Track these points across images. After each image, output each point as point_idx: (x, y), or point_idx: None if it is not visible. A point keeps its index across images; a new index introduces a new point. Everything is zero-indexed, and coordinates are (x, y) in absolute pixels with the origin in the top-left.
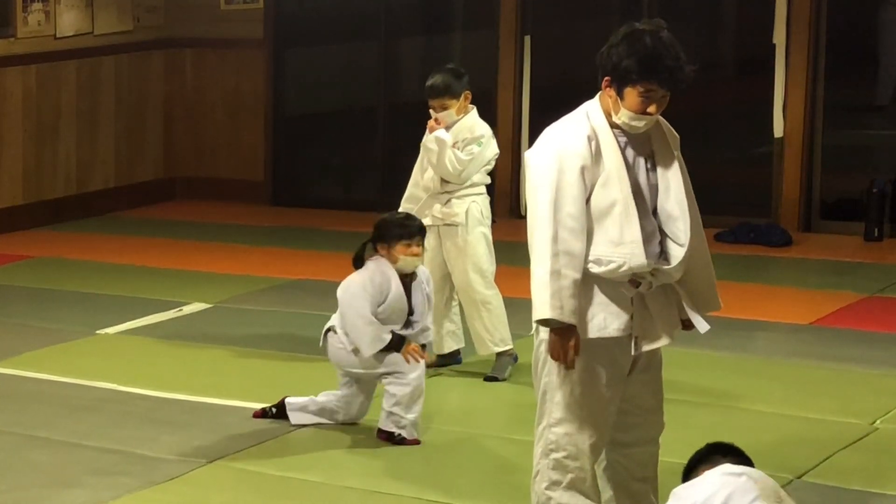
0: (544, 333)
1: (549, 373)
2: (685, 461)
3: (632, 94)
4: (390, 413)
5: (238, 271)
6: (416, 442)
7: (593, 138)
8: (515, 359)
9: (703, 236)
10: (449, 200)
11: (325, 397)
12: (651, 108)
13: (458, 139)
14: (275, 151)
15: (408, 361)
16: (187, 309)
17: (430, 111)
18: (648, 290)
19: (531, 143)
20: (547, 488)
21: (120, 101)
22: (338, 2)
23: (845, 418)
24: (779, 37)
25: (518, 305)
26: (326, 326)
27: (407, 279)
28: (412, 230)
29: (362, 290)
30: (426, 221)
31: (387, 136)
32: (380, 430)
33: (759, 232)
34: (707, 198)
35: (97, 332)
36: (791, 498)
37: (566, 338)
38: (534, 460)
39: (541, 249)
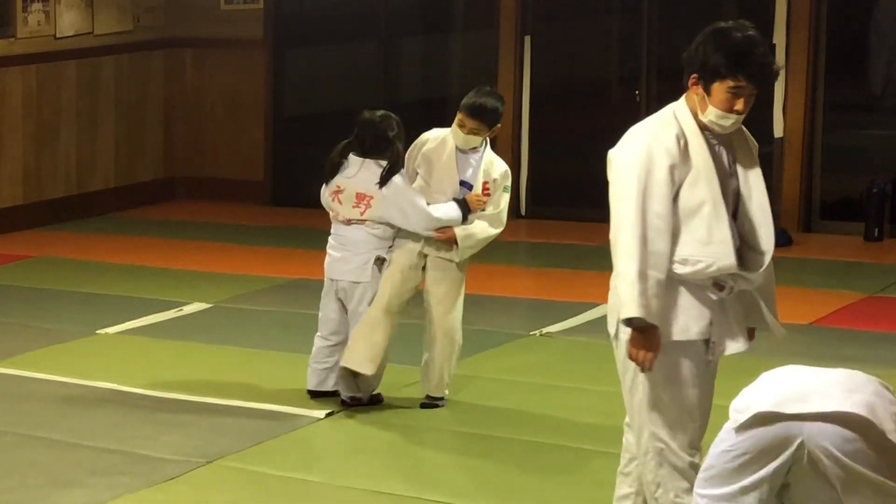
0: (627, 334)
1: (636, 379)
2: None
3: (720, 91)
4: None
5: (238, 271)
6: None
7: (681, 137)
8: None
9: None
10: None
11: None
12: (739, 106)
13: (488, 176)
14: (275, 151)
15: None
16: (187, 309)
17: (459, 127)
18: (730, 294)
19: (531, 142)
20: (677, 496)
21: (120, 101)
22: (338, 2)
23: None
24: (779, 37)
25: (518, 305)
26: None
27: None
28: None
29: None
30: (417, 247)
31: None
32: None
33: None
34: None
35: (97, 332)
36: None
37: (649, 339)
38: (642, 469)
39: (628, 249)
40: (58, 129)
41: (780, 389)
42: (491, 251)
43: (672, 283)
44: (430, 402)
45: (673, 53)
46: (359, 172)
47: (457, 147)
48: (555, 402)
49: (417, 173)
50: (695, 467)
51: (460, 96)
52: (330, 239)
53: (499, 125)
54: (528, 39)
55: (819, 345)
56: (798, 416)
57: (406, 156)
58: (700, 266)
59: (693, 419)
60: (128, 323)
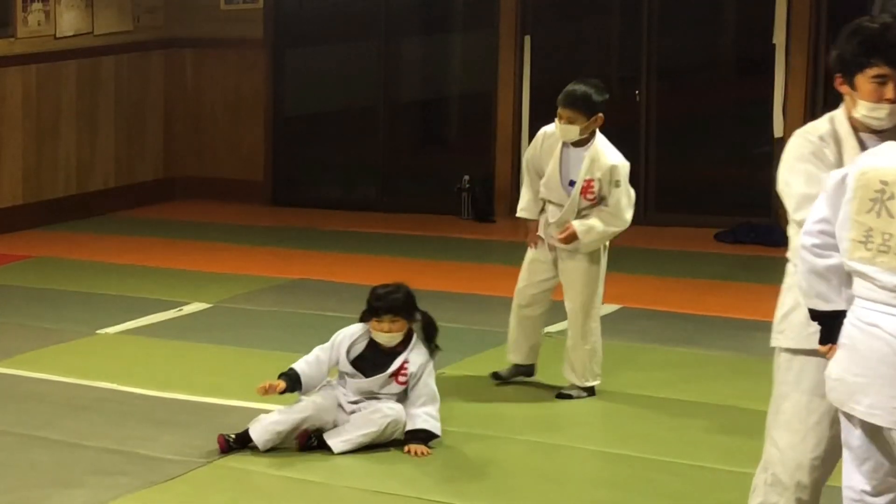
0: (784, 341)
1: (780, 381)
2: (684, 461)
3: (863, 81)
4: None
5: (238, 271)
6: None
7: (834, 140)
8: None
9: None
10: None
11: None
12: (889, 93)
13: (594, 174)
14: (275, 151)
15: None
16: (187, 309)
17: (557, 119)
18: None
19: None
20: None
21: (120, 101)
22: (338, 2)
23: None
24: (779, 37)
25: None
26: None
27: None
28: (377, 309)
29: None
30: (548, 240)
31: (387, 136)
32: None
33: (759, 232)
34: (707, 198)
35: (97, 332)
36: None
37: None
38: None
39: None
40: (58, 129)
41: None
42: (491, 251)
43: None
44: (565, 393)
45: (673, 53)
46: None
47: (563, 143)
48: (555, 401)
49: (539, 176)
50: (802, 488)
51: (460, 96)
52: None
53: (599, 114)
54: (528, 39)
55: None
56: None
57: (526, 156)
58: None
59: (824, 434)
60: (128, 323)
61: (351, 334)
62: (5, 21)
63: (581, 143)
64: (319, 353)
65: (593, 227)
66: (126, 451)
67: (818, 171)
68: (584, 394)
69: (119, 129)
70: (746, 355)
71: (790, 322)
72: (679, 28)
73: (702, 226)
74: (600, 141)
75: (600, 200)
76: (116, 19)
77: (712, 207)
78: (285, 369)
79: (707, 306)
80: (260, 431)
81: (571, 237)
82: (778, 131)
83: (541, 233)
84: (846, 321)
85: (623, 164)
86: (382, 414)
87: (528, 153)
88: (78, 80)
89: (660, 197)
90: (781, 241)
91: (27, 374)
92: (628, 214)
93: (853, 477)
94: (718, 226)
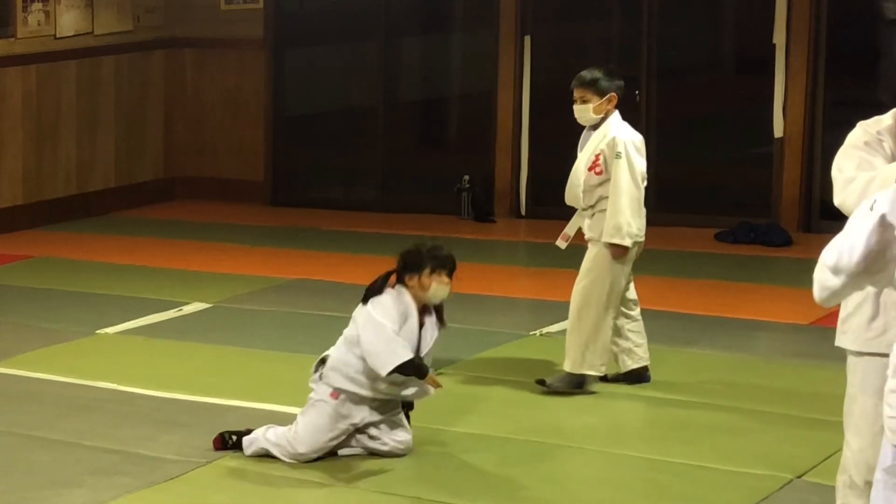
0: (846, 342)
1: (849, 382)
2: (684, 461)
3: None
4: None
5: (238, 271)
6: None
7: (893, 136)
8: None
9: None
10: (593, 215)
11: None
12: None
13: (598, 148)
14: (275, 151)
15: (431, 390)
16: (187, 309)
17: (573, 102)
18: None
19: (531, 142)
20: None
21: (120, 101)
22: (338, 2)
23: None
24: (779, 37)
25: (518, 305)
26: (321, 356)
27: (422, 316)
28: (444, 260)
29: (384, 310)
30: (579, 233)
31: (387, 136)
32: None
33: (759, 232)
34: (707, 198)
35: (97, 332)
36: None
37: None
38: None
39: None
40: (58, 129)
41: None
42: (491, 251)
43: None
44: (545, 381)
45: (673, 53)
46: None
47: (585, 129)
48: (555, 402)
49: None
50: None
51: (460, 96)
52: None
53: (612, 93)
54: (528, 39)
55: (819, 345)
56: None
57: None
58: None
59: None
60: (128, 323)
61: (402, 312)
62: (5, 21)
63: (597, 126)
64: (391, 329)
65: (607, 220)
66: (126, 451)
67: (871, 158)
68: (562, 384)
69: (119, 129)
70: (746, 355)
71: (851, 324)
72: (679, 28)
73: (702, 226)
74: (613, 119)
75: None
76: (116, 19)
77: (712, 207)
78: (406, 359)
79: (707, 306)
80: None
81: (619, 251)
82: (778, 131)
83: (570, 231)
84: None
85: (623, 137)
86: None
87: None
88: (78, 80)
89: (660, 197)
90: (781, 241)
91: (27, 374)
92: (632, 186)
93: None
94: (718, 226)
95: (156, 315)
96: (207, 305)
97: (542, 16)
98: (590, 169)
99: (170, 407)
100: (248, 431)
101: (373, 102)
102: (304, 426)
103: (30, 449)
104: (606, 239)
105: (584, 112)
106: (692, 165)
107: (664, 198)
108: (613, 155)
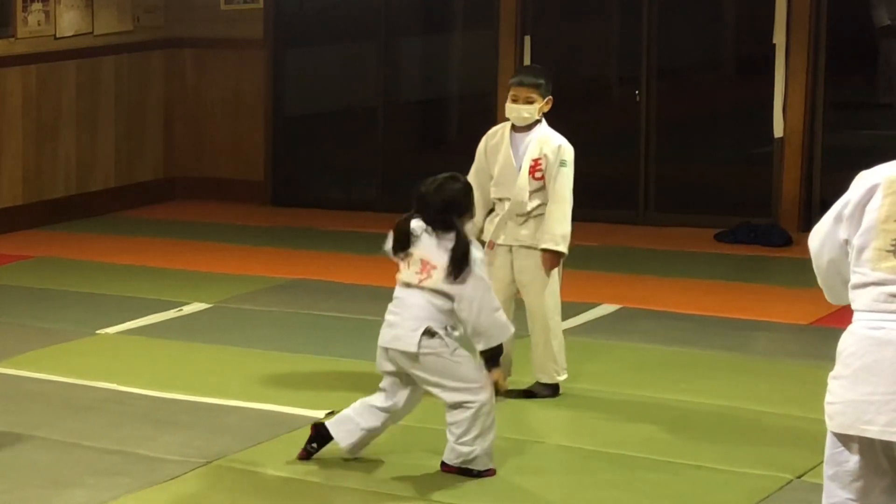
0: None
1: None
2: (685, 461)
3: None
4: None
5: (238, 271)
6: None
7: None
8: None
9: None
10: (526, 221)
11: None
12: None
13: (541, 153)
14: (275, 151)
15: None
16: (187, 309)
17: (512, 102)
18: None
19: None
20: None
21: (120, 101)
22: (338, 2)
23: None
24: (779, 37)
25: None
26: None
27: None
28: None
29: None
30: (500, 241)
31: (387, 136)
32: (444, 464)
33: (759, 232)
34: (707, 198)
35: (97, 332)
36: None
37: None
38: None
39: None
40: (58, 130)
41: None
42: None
43: None
44: (530, 391)
45: (673, 53)
46: (423, 239)
47: (512, 128)
48: (555, 401)
49: (492, 177)
50: None
51: (460, 96)
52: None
53: (551, 97)
54: (528, 39)
55: (819, 345)
56: None
57: (471, 176)
58: None
59: None
60: (128, 323)
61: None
62: (5, 21)
63: (526, 129)
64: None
65: (552, 226)
66: (126, 451)
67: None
68: (548, 392)
69: (119, 129)
70: (746, 355)
71: None
72: (679, 28)
73: (702, 226)
74: (545, 125)
75: (545, 184)
76: (116, 19)
77: (712, 207)
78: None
79: (707, 306)
80: (345, 433)
81: (557, 259)
82: (778, 131)
83: (488, 236)
84: (850, 340)
85: (569, 146)
86: None
87: (475, 168)
88: (78, 80)
89: (660, 197)
90: (781, 242)
91: (27, 374)
92: (571, 195)
93: (837, 493)
94: (718, 226)
95: (156, 315)
96: (207, 305)
97: (542, 16)
98: (529, 172)
99: (170, 407)
100: (323, 427)
101: (373, 102)
102: (462, 370)
103: (30, 449)
104: (552, 246)
105: (528, 112)
106: (692, 165)
107: (664, 198)
108: (558, 162)
